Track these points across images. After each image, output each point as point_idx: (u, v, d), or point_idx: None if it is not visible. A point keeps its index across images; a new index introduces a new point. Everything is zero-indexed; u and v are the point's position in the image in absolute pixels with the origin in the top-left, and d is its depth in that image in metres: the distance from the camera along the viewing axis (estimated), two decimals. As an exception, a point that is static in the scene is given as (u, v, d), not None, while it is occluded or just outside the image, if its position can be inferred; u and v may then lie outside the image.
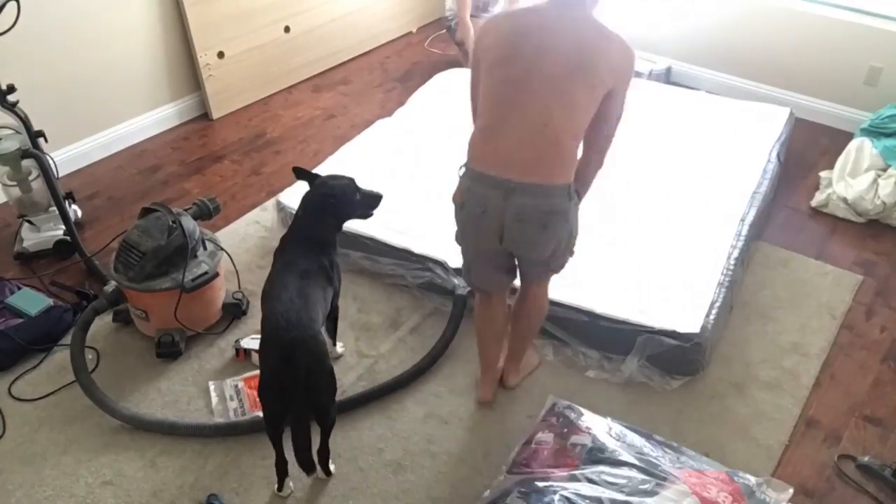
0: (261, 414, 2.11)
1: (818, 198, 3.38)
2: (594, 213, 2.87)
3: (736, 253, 2.79)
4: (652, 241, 2.89)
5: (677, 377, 2.49)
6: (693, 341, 2.42)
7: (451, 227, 2.20)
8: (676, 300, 2.58)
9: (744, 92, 4.22)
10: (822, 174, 3.51)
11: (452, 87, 3.88)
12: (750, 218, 2.97)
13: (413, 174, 3.28)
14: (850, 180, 3.34)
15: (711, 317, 2.51)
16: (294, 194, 3.17)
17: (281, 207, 3.14)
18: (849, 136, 3.62)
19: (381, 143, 3.52)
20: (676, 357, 2.45)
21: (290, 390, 1.92)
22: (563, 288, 2.53)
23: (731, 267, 2.73)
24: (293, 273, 2.11)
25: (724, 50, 4.20)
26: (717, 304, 2.57)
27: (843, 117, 3.94)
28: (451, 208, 2.16)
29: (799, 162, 3.71)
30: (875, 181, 3.29)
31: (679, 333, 2.43)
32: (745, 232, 2.90)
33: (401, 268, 2.85)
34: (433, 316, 2.75)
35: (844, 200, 3.29)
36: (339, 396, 2.26)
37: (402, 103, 4.22)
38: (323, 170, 2.75)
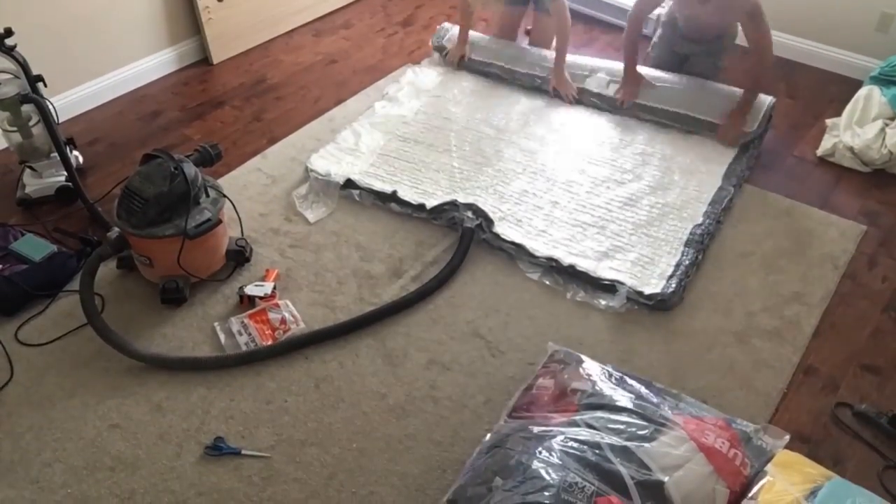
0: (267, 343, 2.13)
1: (824, 145, 3.36)
2: (573, 183, 3.15)
3: (704, 216, 2.95)
4: (627, 208, 3.02)
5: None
6: (657, 299, 2.58)
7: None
8: (645, 263, 2.76)
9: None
10: (829, 121, 3.47)
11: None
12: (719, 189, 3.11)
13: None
14: (858, 129, 3.30)
15: (675, 279, 2.67)
16: (320, 158, 3.21)
17: (310, 171, 3.16)
18: (858, 84, 3.57)
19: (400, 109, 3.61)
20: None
21: None
22: (544, 246, 2.80)
23: (700, 228, 2.88)
24: None
25: (733, -6, 4.11)
26: (684, 265, 2.72)
27: (853, 65, 3.88)
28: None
29: (806, 110, 3.67)
30: (883, 130, 3.25)
31: (645, 294, 2.59)
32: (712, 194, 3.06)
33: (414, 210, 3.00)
34: (435, 265, 2.76)
35: (851, 150, 3.26)
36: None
37: (404, 48, 4.17)
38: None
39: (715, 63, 3.50)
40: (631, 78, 3.46)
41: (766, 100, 3.33)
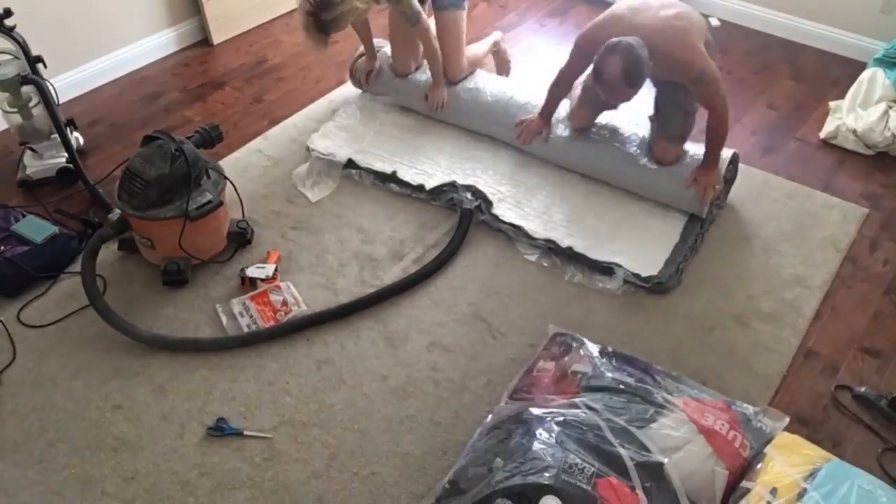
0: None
1: (827, 128, 3.34)
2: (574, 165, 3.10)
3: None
4: (628, 193, 3.00)
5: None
6: (654, 281, 2.58)
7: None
8: (643, 246, 2.75)
9: (755, 18, 4.12)
10: (832, 103, 3.45)
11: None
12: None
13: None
14: (861, 111, 3.29)
15: (672, 263, 2.66)
16: (321, 137, 3.20)
17: (311, 150, 3.16)
18: (862, 66, 3.55)
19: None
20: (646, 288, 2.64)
21: None
22: (543, 228, 2.79)
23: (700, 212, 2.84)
24: None
25: (737, -25, 4.08)
26: (682, 248, 2.71)
27: (857, 46, 3.86)
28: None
29: (809, 93, 3.65)
30: (886, 113, 3.23)
31: (642, 276, 2.60)
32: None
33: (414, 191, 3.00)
34: (437, 248, 2.76)
35: (854, 132, 3.24)
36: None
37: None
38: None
39: (685, 110, 2.83)
40: (537, 123, 3.07)
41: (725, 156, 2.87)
